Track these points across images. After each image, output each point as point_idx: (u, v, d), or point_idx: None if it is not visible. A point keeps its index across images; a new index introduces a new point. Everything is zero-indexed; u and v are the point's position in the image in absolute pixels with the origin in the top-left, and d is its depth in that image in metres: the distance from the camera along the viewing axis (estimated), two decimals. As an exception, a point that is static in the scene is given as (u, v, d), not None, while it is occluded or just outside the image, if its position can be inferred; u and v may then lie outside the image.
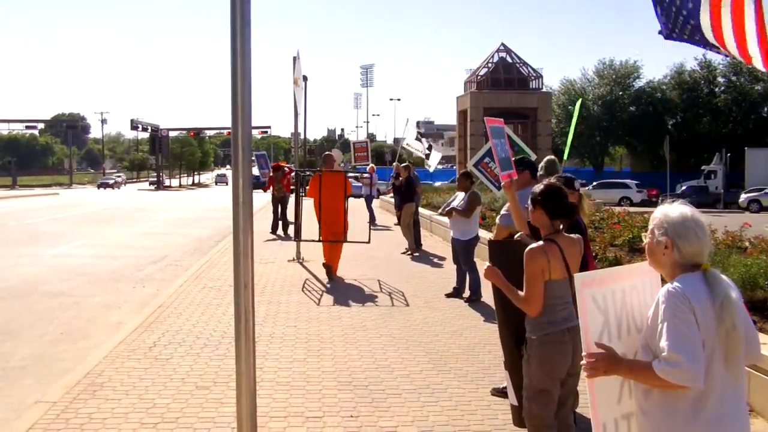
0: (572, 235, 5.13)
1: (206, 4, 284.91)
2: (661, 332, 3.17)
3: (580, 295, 3.35)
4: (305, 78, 17.89)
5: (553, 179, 5.40)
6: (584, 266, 5.64)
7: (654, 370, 3.12)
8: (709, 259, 3.36)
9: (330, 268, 14.72)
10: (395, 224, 26.53)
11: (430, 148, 23.29)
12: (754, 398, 6.46)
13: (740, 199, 49.83)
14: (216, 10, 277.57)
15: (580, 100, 14.77)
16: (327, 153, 16.98)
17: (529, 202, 5.01)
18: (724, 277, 3.32)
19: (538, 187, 5.08)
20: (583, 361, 3.32)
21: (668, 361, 3.08)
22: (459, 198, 12.57)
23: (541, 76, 50.54)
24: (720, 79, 72.80)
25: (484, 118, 8.90)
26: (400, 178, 20.65)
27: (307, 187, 15.99)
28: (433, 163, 23.37)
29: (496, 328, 6.39)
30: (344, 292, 13.02)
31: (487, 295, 10.88)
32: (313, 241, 15.98)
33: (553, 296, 4.87)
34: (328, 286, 13.70)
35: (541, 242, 4.95)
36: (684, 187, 57.24)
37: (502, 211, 8.17)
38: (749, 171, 57.35)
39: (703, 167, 61.16)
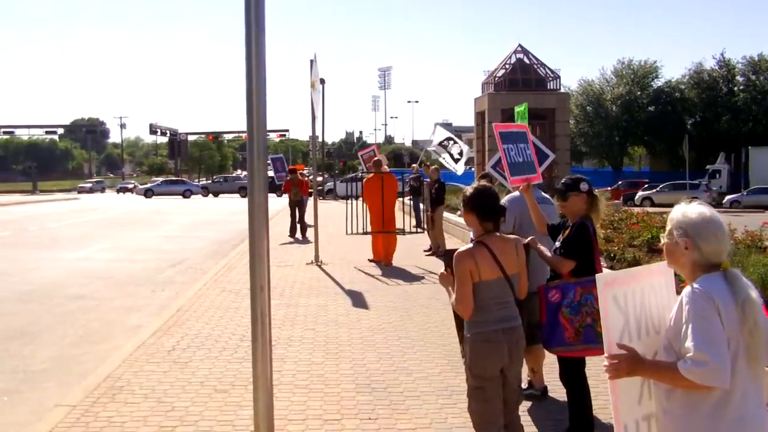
0: (508, 236, 5.27)
1: (224, 8, 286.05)
2: (686, 332, 3.15)
3: (602, 296, 3.33)
4: (323, 81, 17.91)
5: (484, 183, 5.52)
6: (589, 268, 5.81)
7: (679, 371, 3.11)
8: (728, 259, 3.35)
9: (386, 260, 16.89)
10: (413, 226, 26.55)
11: (461, 153, 23.14)
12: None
13: (724, 201, 49.81)
14: (234, 13, 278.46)
15: (525, 105, 14.63)
16: (377, 159, 18.52)
17: (461, 205, 5.11)
18: (743, 276, 3.30)
19: (467, 190, 5.25)
20: (605, 363, 3.30)
21: (695, 361, 3.07)
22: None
23: (559, 77, 50.31)
24: (739, 78, 72.32)
25: (493, 124, 8.95)
26: (427, 180, 20.60)
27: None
28: (460, 168, 23.31)
29: None
30: (362, 295, 13.02)
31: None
32: (370, 233, 17.80)
33: (487, 296, 4.98)
34: (348, 288, 13.70)
35: (469, 245, 5.10)
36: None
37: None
38: (753, 170, 57.18)
39: (708, 167, 61.05)
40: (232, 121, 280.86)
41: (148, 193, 72.16)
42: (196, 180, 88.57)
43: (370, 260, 17.37)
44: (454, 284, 5.12)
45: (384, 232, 17.25)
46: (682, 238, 3.33)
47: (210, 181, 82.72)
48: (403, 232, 21.10)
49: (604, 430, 6.45)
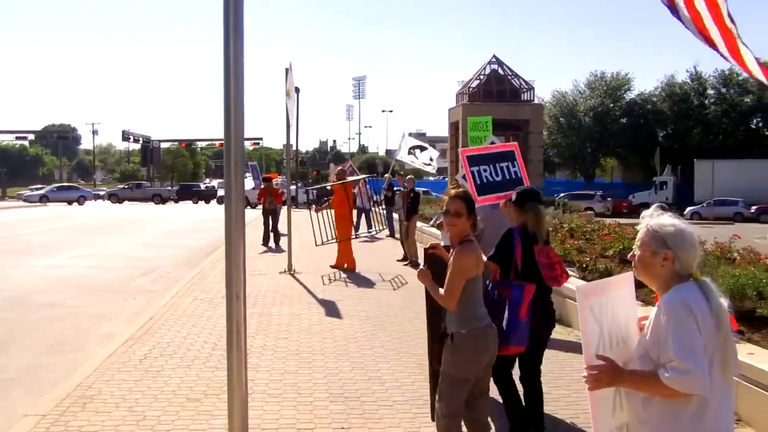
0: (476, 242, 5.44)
1: (198, 16, 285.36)
2: (666, 341, 3.20)
3: (581, 306, 3.37)
4: (297, 89, 17.85)
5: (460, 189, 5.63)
6: (506, 271, 6.22)
7: (661, 379, 3.15)
8: (698, 269, 3.39)
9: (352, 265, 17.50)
10: (387, 235, 26.59)
11: (431, 159, 23.31)
12: (742, 407, 6.47)
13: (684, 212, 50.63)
14: (208, 21, 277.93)
15: (489, 117, 14.80)
16: (341, 168, 19.82)
17: (467, 210, 5.29)
18: (713, 285, 3.36)
19: (456, 194, 5.36)
20: (585, 374, 3.33)
21: (677, 370, 3.11)
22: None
23: (533, 88, 50.73)
24: (710, 91, 73.25)
25: (460, 149, 9.51)
26: (400, 190, 20.75)
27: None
28: (437, 165, 23.51)
29: None
30: (335, 304, 13.01)
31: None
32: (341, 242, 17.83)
33: (477, 291, 5.24)
34: (321, 297, 13.69)
35: (471, 243, 5.25)
36: (634, 198, 58.68)
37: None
38: (697, 182, 58.35)
39: (654, 178, 62.22)
40: (206, 128, 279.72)
41: (42, 199, 71.38)
42: (169, 187, 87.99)
43: (344, 268, 17.50)
44: (429, 281, 5.34)
45: (346, 240, 17.74)
46: (662, 249, 3.38)
47: (120, 188, 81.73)
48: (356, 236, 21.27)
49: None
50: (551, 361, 9.16)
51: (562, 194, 52.67)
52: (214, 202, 70.11)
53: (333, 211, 17.94)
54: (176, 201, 73.92)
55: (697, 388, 3.13)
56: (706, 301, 3.25)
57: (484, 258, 5.54)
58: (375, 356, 9.37)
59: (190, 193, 76.62)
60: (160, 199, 73.41)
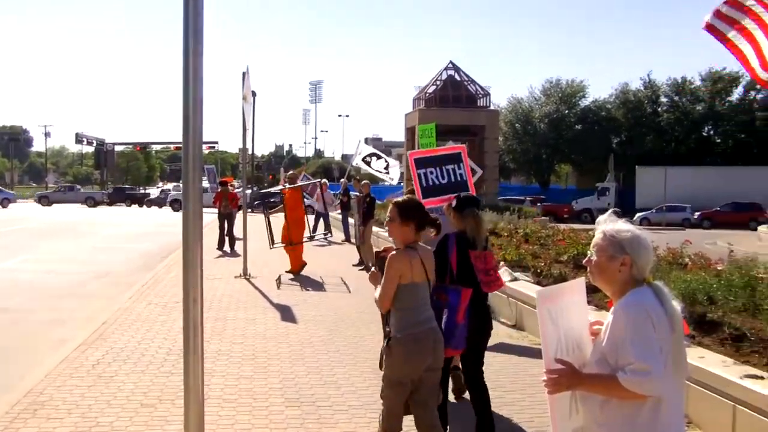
0: (427, 246, 5.64)
1: (152, 19, 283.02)
2: (624, 345, 3.25)
3: (540, 311, 3.42)
4: (254, 93, 17.82)
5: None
6: (442, 276, 6.24)
7: (619, 381, 3.21)
8: (651, 274, 3.47)
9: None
10: (342, 240, 26.59)
11: (387, 167, 23.40)
12: (692, 410, 6.57)
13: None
14: (162, 23, 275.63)
15: (432, 124, 14.99)
16: (292, 173, 19.65)
17: (398, 216, 5.47)
18: (666, 288, 3.43)
19: (401, 201, 5.61)
20: (544, 378, 3.38)
21: (636, 372, 3.18)
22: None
23: (489, 94, 51.00)
24: (663, 99, 74.29)
25: (408, 152, 9.92)
26: (356, 195, 20.79)
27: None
28: (396, 176, 23.60)
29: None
30: (291, 308, 12.98)
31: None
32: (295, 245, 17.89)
33: (417, 298, 5.33)
34: (276, 302, 13.65)
35: (406, 249, 5.40)
36: (576, 204, 59.70)
37: None
38: (639, 189, 59.43)
39: (597, 185, 63.29)
40: (161, 132, 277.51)
41: None
42: (102, 191, 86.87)
43: (295, 272, 17.64)
44: (377, 282, 5.50)
45: (299, 243, 17.95)
46: (619, 254, 3.43)
47: (52, 191, 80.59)
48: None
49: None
50: (506, 366, 9.24)
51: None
52: (155, 207, 68.32)
53: (285, 214, 18.00)
54: (109, 204, 73.05)
55: (655, 390, 3.20)
56: (660, 304, 3.32)
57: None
58: (331, 361, 9.37)
59: (123, 196, 75.93)
60: (93, 202, 72.29)
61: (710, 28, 5.68)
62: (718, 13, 5.66)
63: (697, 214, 53.68)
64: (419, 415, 5.51)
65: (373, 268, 5.93)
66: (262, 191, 43.54)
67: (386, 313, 5.53)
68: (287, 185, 19.14)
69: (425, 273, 5.38)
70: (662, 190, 54.66)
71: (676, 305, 3.38)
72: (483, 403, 6.57)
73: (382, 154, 24.56)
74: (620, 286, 3.46)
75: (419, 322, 5.32)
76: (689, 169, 61.96)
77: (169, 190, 78.57)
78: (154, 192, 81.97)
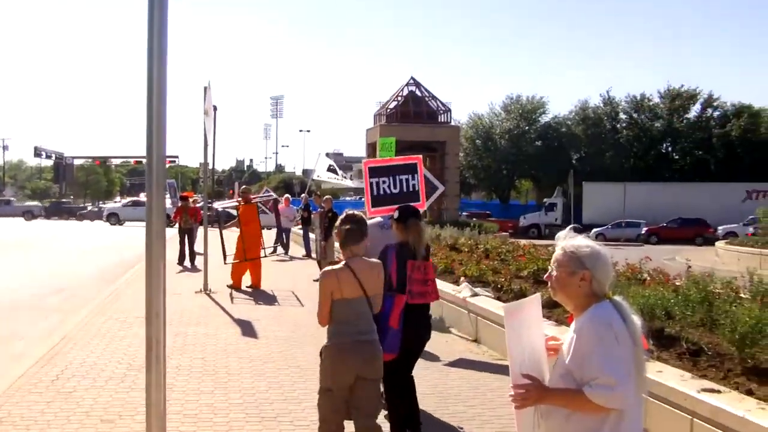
0: (371, 260, 5.86)
1: (112, 32, 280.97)
2: (589, 360, 3.31)
3: (507, 326, 3.50)
4: (215, 108, 17.81)
5: (354, 211, 6.13)
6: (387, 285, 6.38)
7: (586, 395, 3.26)
8: (610, 289, 3.54)
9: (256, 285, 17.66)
10: (303, 255, 26.56)
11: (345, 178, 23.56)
12: (651, 423, 6.64)
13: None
14: (121, 35, 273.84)
15: (393, 139, 15.20)
16: (245, 187, 18.69)
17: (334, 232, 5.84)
18: (624, 301, 3.51)
19: (339, 218, 5.94)
20: (512, 392, 3.43)
21: (602, 386, 3.24)
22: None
23: (450, 110, 51.20)
24: (622, 116, 75.26)
25: (363, 160, 10.22)
26: (317, 211, 20.84)
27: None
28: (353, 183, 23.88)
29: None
30: (252, 324, 12.93)
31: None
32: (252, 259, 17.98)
33: (347, 312, 5.55)
34: (237, 317, 13.59)
35: (336, 266, 5.69)
36: (524, 220, 60.34)
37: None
38: (586, 204, 60.35)
39: (545, 200, 64.13)
40: (121, 145, 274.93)
41: None
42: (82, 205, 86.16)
43: (248, 287, 17.73)
44: None
45: (253, 259, 17.99)
46: (580, 269, 3.48)
47: None
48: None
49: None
50: (467, 381, 9.29)
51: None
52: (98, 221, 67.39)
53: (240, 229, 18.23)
54: (46, 218, 72.44)
55: (620, 403, 3.26)
56: (621, 319, 3.38)
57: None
58: (292, 376, 9.34)
59: (60, 210, 75.37)
60: (31, 215, 71.64)
61: None
62: None
63: (645, 229, 54.42)
64: (356, 423, 5.71)
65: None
66: (218, 206, 43.38)
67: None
68: (241, 200, 19.23)
69: (360, 288, 5.56)
70: (609, 205, 55.47)
71: (636, 320, 3.43)
72: (411, 408, 6.89)
73: (338, 171, 24.75)
74: (580, 301, 3.51)
75: (349, 333, 5.54)
76: (638, 185, 62.92)
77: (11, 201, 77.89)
78: (110, 206, 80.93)
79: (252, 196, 19.80)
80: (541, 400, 3.43)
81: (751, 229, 40.52)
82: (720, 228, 51.36)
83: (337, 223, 5.94)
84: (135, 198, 77.74)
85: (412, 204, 7.99)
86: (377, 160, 10.37)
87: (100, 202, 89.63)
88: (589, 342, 3.33)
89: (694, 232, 52.63)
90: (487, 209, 70.32)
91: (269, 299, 16.12)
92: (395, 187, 9.51)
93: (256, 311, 14.43)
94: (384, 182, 9.52)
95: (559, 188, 65.84)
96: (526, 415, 3.53)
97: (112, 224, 59.03)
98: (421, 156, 10.60)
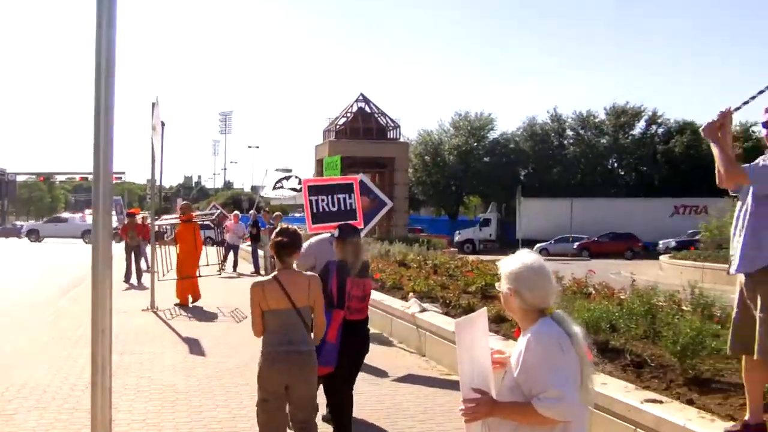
0: (303, 273, 6.18)
1: (57, 46, 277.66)
2: (537, 373, 3.37)
3: (458, 341, 3.56)
4: (163, 124, 17.72)
5: (286, 226, 6.39)
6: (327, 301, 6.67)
7: (534, 408, 3.32)
8: (555, 303, 3.60)
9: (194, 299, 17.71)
10: (252, 272, 26.44)
11: (300, 183, 23.65)
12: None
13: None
14: (67, 51, 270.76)
15: (338, 157, 15.46)
16: (185, 203, 19.58)
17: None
18: (567, 316, 3.58)
19: (276, 231, 6.17)
20: (462, 407, 3.48)
21: (550, 398, 3.30)
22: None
23: (399, 127, 51.33)
24: (569, 132, 76.13)
25: (303, 179, 10.95)
26: (266, 227, 20.83)
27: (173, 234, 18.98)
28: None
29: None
30: (199, 341, 12.83)
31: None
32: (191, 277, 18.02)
33: (276, 323, 5.79)
34: (184, 335, 13.48)
35: (263, 278, 6.01)
36: (459, 235, 60.99)
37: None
38: (521, 219, 61.31)
39: (480, 215, 64.93)
40: (66, 161, 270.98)
41: None
42: (25, 222, 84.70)
43: (181, 304, 17.67)
44: None
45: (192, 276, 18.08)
46: (512, 286, 3.56)
47: None
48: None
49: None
50: (416, 396, 9.31)
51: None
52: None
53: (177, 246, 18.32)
54: None
55: (568, 414, 3.33)
56: (566, 333, 3.46)
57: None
58: (240, 394, 9.28)
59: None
60: None
61: None
62: None
63: (576, 244, 55.14)
64: (293, 422, 5.96)
65: None
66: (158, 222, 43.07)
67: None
68: (181, 217, 19.19)
69: (288, 299, 5.76)
70: (543, 220, 56.39)
71: (580, 333, 3.51)
72: (346, 420, 7.13)
73: (291, 175, 24.79)
74: (522, 316, 3.59)
75: (278, 343, 5.77)
76: (570, 200, 63.76)
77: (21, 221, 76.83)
78: (30, 222, 79.39)
79: (193, 214, 19.70)
80: (490, 413, 3.48)
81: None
82: (661, 242, 52.32)
83: (272, 236, 6.17)
84: (57, 215, 76.76)
85: (350, 222, 8.43)
86: (317, 179, 10.97)
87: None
88: (535, 355, 3.39)
89: (625, 246, 53.63)
90: (436, 225, 70.70)
91: (216, 317, 16.01)
92: (334, 205, 10.17)
93: (204, 329, 14.33)
94: (323, 200, 10.14)
95: (493, 204, 66.81)
96: (475, 429, 3.57)
97: (32, 241, 58.16)
98: (358, 177, 11.00)
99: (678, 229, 54.89)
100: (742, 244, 5.56)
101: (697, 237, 49.66)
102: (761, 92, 5.49)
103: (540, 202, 63.40)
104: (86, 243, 52.09)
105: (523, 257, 3.63)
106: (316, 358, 5.97)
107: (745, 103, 5.62)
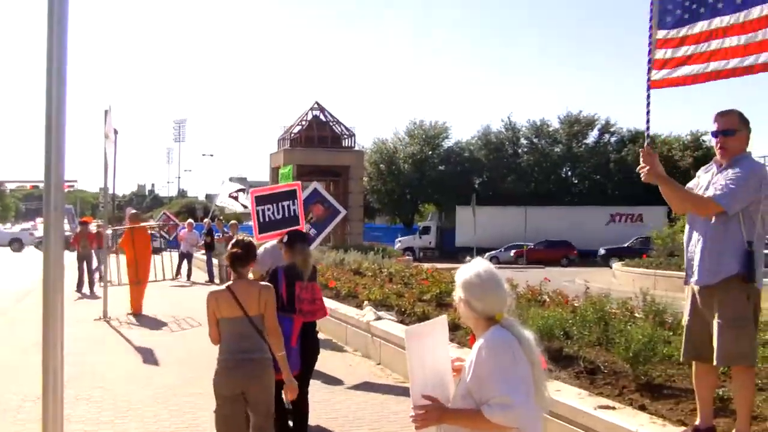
0: (254, 282, 6.41)
1: (5, 52, 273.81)
2: (488, 380, 3.40)
3: (408, 348, 3.56)
4: (116, 131, 17.53)
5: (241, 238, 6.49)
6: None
7: (484, 415, 3.35)
8: (508, 310, 3.63)
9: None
10: (206, 281, 26.29)
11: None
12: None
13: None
14: (17, 58, 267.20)
15: (290, 167, 15.69)
16: (134, 212, 18.79)
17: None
18: (518, 323, 3.62)
19: (231, 243, 6.32)
20: (412, 413, 3.51)
21: (500, 405, 3.32)
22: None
23: (354, 135, 51.39)
24: (523, 141, 76.60)
25: (250, 190, 11.59)
26: (220, 235, 20.75)
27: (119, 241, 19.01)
28: None
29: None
30: (153, 351, 12.72)
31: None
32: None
33: (228, 331, 5.93)
34: (137, 345, 13.36)
35: (217, 288, 6.12)
36: (400, 243, 61.40)
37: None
38: (459, 227, 62.03)
39: (419, 223, 65.41)
40: (17, 169, 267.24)
41: None
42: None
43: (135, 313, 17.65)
44: None
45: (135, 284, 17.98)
46: (463, 295, 3.62)
47: None
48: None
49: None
50: (370, 404, 9.32)
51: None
52: None
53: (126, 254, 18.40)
54: None
55: (518, 421, 3.34)
56: (518, 340, 3.49)
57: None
58: (194, 403, 9.21)
59: None
60: None
61: (658, 83, 5.97)
62: (658, 63, 5.94)
63: (512, 252, 55.56)
64: (251, 425, 6.06)
65: None
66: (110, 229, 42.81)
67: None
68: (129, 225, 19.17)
69: (240, 308, 5.87)
70: (480, 228, 57.11)
71: (531, 338, 3.55)
72: (302, 421, 7.39)
73: (246, 189, 24.76)
74: (475, 324, 3.63)
75: (232, 351, 5.92)
76: (507, 209, 64.16)
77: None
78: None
79: (143, 224, 19.62)
80: (440, 420, 3.50)
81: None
82: (601, 249, 53.08)
83: (228, 246, 6.30)
84: None
85: (294, 228, 9.08)
86: (262, 189, 11.35)
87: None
88: (487, 362, 3.42)
89: (561, 253, 54.30)
90: (390, 233, 70.78)
91: (169, 326, 15.90)
92: (278, 213, 10.44)
93: (157, 338, 14.21)
94: (269, 209, 10.41)
95: (434, 212, 67.24)
96: None
97: None
98: (299, 183, 11.60)
99: (614, 237, 55.82)
100: (702, 257, 5.61)
101: (627, 244, 50.96)
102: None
103: (486, 210, 63.80)
104: (14, 251, 51.54)
105: (476, 266, 3.66)
106: (271, 364, 6.02)
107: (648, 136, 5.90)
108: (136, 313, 17.55)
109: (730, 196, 5.48)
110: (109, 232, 22.63)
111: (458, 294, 3.65)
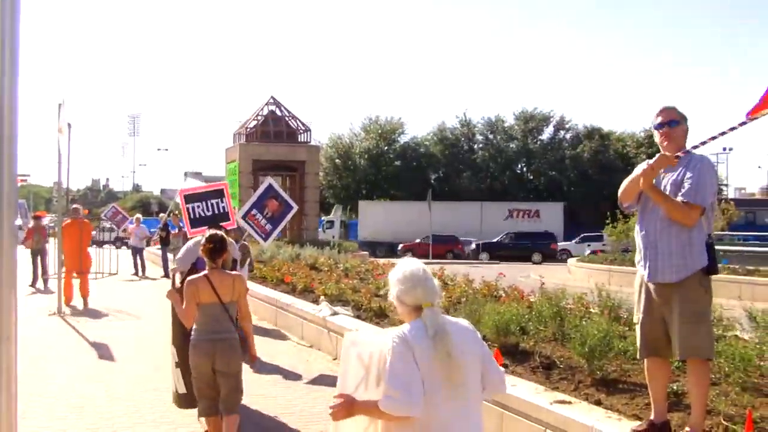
0: (228, 272, 6.92)
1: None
2: (387, 373, 3.65)
3: (345, 351, 3.96)
4: (70, 125, 17.31)
5: (214, 231, 7.09)
6: None
7: (379, 407, 3.62)
8: (438, 301, 3.89)
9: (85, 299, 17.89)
10: (161, 276, 26.11)
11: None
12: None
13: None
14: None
15: (236, 163, 16.07)
16: (75, 206, 19.81)
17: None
18: (441, 314, 3.86)
19: (206, 238, 6.84)
20: (330, 408, 3.85)
21: (387, 397, 3.59)
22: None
23: (310, 130, 51.17)
24: (478, 137, 77.07)
25: (178, 189, 12.48)
26: (175, 231, 20.60)
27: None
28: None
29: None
30: (109, 346, 12.60)
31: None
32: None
33: (204, 314, 6.57)
34: (93, 340, 13.22)
35: (197, 276, 6.74)
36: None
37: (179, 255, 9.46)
38: (362, 221, 62.71)
39: (323, 217, 65.90)
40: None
41: None
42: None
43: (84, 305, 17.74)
44: (179, 301, 6.76)
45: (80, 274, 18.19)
46: (392, 293, 3.91)
47: None
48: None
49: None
50: (326, 399, 9.26)
51: None
52: None
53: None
54: None
55: (403, 411, 3.58)
56: (425, 332, 3.69)
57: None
58: (151, 399, 9.15)
59: None
60: None
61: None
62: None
63: (401, 246, 55.91)
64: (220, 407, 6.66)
65: (171, 287, 7.78)
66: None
67: (177, 319, 7.16)
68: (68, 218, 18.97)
69: (215, 295, 6.54)
70: (381, 223, 57.72)
71: (447, 328, 3.74)
72: None
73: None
74: (407, 318, 3.87)
75: (205, 332, 6.57)
76: (408, 204, 64.45)
77: None
78: None
79: (79, 218, 19.34)
80: (350, 412, 3.79)
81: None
82: (473, 244, 54.20)
83: (203, 242, 6.84)
84: None
85: (222, 223, 9.80)
86: (191, 188, 12.32)
87: None
88: (388, 357, 3.66)
89: (446, 248, 54.69)
90: (347, 229, 70.96)
91: (125, 321, 15.76)
92: (208, 210, 11.48)
93: (112, 332, 14.07)
94: (198, 206, 11.46)
95: (338, 206, 67.42)
96: (349, 428, 3.89)
97: None
98: (226, 183, 12.72)
99: (512, 232, 56.60)
100: (667, 254, 5.57)
101: (496, 240, 53.40)
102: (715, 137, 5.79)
103: (387, 205, 64.54)
104: None
105: (401, 265, 3.94)
106: (238, 343, 6.68)
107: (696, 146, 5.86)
108: (84, 298, 17.83)
109: (706, 192, 5.51)
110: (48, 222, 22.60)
111: (392, 292, 3.90)
